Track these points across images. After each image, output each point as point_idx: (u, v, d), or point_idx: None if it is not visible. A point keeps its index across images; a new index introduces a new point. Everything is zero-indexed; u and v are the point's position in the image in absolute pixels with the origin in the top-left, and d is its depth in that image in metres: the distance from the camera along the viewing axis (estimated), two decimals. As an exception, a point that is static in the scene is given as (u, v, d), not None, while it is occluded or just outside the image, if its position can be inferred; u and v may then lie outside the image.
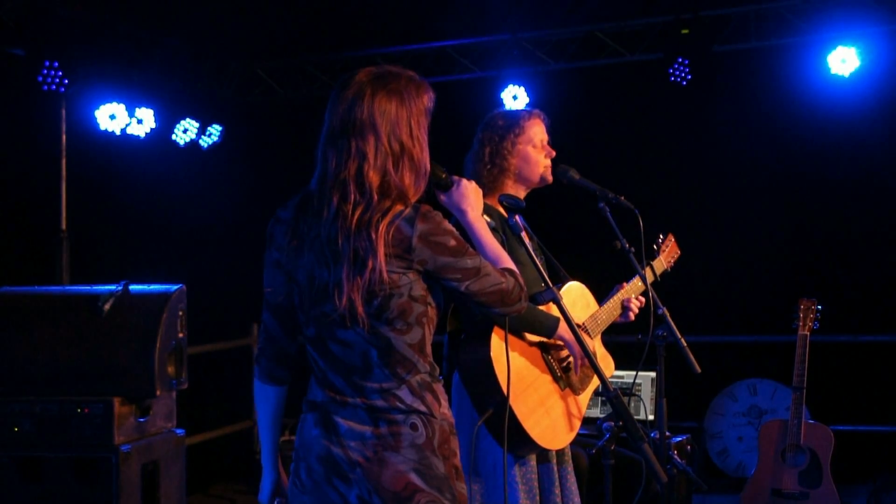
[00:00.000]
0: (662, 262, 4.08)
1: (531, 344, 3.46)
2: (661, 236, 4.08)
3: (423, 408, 2.47)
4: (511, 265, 2.62)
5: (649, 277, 3.88)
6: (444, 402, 2.54)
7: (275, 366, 2.64)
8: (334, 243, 2.44)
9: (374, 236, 2.40)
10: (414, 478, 2.44)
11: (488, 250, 2.63)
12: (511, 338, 3.38)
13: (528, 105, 7.32)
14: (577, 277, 3.74)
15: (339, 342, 2.48)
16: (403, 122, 2.48)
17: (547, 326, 3.41)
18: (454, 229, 2.50)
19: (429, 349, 2.53)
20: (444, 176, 2.70)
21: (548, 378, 3.48)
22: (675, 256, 4.15)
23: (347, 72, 2.57)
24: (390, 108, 2.47)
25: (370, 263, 2.40)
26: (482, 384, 3.31)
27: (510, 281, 2.56)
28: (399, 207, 2.43)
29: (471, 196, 2.72)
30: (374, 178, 2.44)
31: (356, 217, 2.42)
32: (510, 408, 3.26)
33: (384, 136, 2.46)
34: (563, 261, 3.73)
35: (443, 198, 2.72)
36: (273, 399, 2.67)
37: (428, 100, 2.55)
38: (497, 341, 3.34)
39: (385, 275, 2.40)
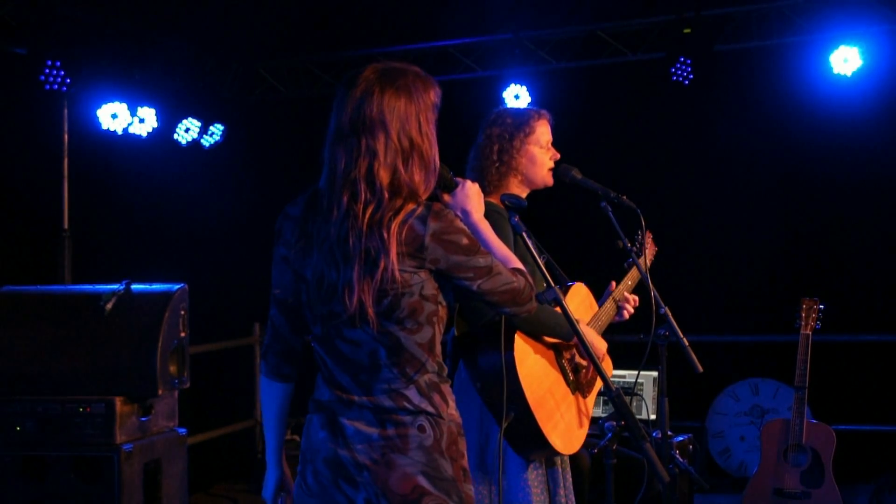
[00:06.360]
0: (646, 260, 4.06)
1: (548, 347, 3.43)
2: (640, 233, 4.03)
3: (430, 408, 2.46)
4: (519, 265, 2.61)
5: (637, 276, 3.86)
6: (452, 403, 2.53)
7: (282, 362, 2.63)
8: (344, 243, 2.41)
9: (386, 235, 2.38)
10: (422, 480, 2.42)
11: (496, 251, 2.61)
12: (528, 341, 3.35)
13: (530, 105, 7.31)
14: (577, 277, 3.72)
15: (347, 341, 2.47)
16: (413, 118, 2.46)
17: (567, 329, 3.35)
18: (466, 228, 2.49)
19: (438, 349, 2.51)
20: (449, 177, 2.68)
21: (562, 381, 3.46)
22: (654, 253, 4.12)
23: (350, 71, 2.56)
24: (399, 105, 2.45)
25: (382, 262, 2.37)
26: (503, 388, 3.26)
27: (521, 280, 2.55)
28: (411, 206, 2.42)
29: (474, 198, 2.71)
30: (384, 175, 2.42)
31: (367, 216, 2.40)
32: (531, 413, 3.24)
33: (394, 132, 2.43)
34: (563, 261, 3.72)
35: (447, 198, 2.70)
36: (279, 396, 2.65)
37: (434, 95, 2.53)
38: (521, 345, 3.30)
39: (397, 274, 2.39)
